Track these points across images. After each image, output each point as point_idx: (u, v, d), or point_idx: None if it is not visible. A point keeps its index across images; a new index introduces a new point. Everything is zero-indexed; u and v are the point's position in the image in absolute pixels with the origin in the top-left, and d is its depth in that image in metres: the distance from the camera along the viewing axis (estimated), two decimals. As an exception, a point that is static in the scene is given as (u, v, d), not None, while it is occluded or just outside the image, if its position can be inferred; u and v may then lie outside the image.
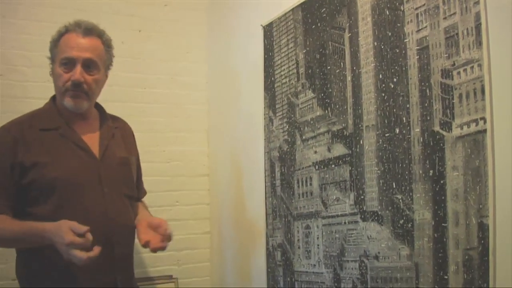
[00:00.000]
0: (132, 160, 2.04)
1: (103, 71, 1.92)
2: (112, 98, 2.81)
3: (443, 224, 1.34)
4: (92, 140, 1.91)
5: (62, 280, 1.75)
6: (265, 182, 2.30)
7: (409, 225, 1.45)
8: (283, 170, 2.16)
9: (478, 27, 1.25)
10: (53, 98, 1.95)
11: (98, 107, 2.03)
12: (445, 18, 1.35)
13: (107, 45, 1.94)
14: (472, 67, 1.27)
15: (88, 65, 1.83)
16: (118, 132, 2.03)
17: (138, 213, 2.03)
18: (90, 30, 1.86)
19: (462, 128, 1.29)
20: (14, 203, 1.77)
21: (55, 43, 1.86)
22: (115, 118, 2.08)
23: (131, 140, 2.10)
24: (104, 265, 1.73)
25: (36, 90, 2.75)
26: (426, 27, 1.41)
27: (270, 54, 2.27)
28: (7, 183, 1.76)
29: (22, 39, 2.72)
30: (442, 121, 1.36)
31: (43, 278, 1.78)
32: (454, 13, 1.32)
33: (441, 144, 1.35)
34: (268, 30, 2.30)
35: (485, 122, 1.23)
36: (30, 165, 1.76)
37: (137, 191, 2.08)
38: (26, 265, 1.84)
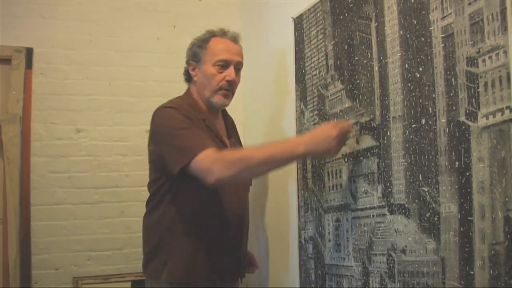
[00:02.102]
0: None
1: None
2: (147, 94, 2.89)
3: (469, 218, 1.29)
4: (223, 134, 2.12)
5: (210, 245, 1.99)
6: (297, 175, 2.29)
7: (435, 219, 1.41)
8: (314, 163, 2.14)
9: (503, 11, 1.19)
10: (188, 91, 2.14)
11: None
12: (469, 4, 1.30)
13: None
14: (498, 53, 1.21)
15: (238, 67, 2.07)
16: (234, 129, 2.26)
17: None
18: (236, 38, 2.10)
19: (487, 118, 1.24)
20: None
21: (202, 45, 2.06)
22: (229, 115, 2.27)
23: (238, 135, 2.32)
24: (238, 239, 2.11)
25: (76, 87, 2.85)
26: (450, 13, 1.36)
27: (301, 46, 2.26)
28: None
29: (62, 38, 2.82)
30: (467, 111, 1.31)
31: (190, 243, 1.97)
32: (479, -2, 1.27)
33: (467, 135, 1.30)
34: (299, 22, 2.28)
35: (510, 111, 1.17)
36: None
37: None
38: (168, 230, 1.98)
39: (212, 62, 2.02)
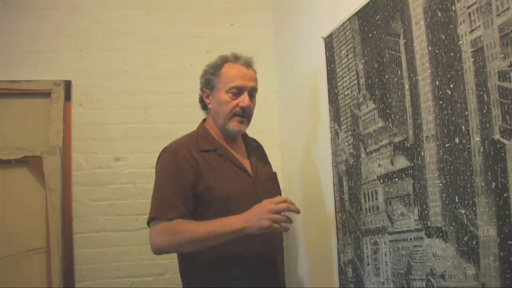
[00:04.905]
0: (276, 175, 2.21)
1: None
2: (183, 120, 2.91)
3: (508, 242, 1.21)
4: (243, 158, 2.07)
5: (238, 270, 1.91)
6: (334, 196, 2.24)
7: (474, 242, 1.33)
8: (350, 184, 2.09)
9: (534, 22, 1.13)
10: (203, 121, 2.14)
11: None
12: (498, 15, 1.23)
13: None
14: (530, 67, 1.15)
15: (252, 93, 2.02)
16: (257, 151, 2.20)
17: None
18: (250, 63, 2.05)
19: (523, 135, 1.17)
20: (191, 214, 1.89)
21: (215, 72, 2.03)
22: (251, 138, 2.23)
23: (266, 157, 2.26)
24: (269, 271, 1.99)
25: (113, 117, 2.91)
26: (479, 26, 1.30)
27: (332, 66, 2.22)
28: (187, 195, 1.89)
29: (98, 70, 2.89)
30: (502, 128, 1.24)
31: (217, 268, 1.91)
32: (508, 9, 1.20)
33: (503, 154, 1.23)
34: (329, 42, 2.25)
35: (547, 127, 1.10)
36: (199, 183, 1.91)
37: None
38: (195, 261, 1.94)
39: (226, 89, 1.99)
